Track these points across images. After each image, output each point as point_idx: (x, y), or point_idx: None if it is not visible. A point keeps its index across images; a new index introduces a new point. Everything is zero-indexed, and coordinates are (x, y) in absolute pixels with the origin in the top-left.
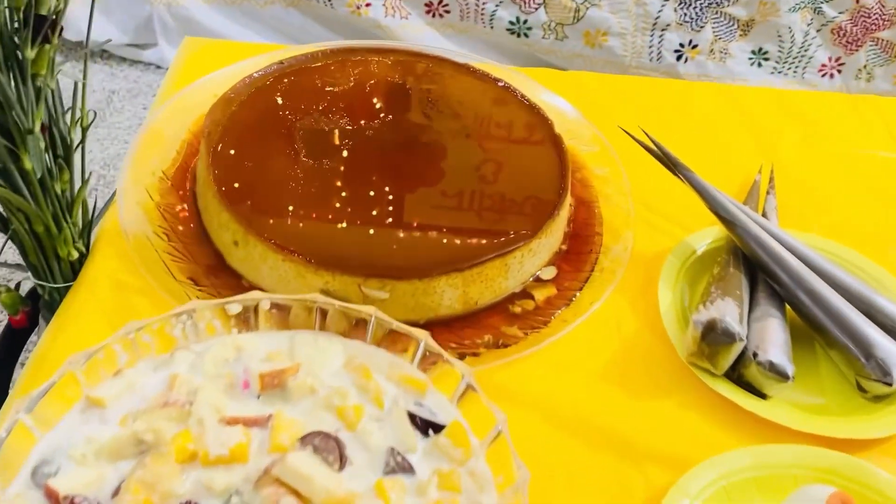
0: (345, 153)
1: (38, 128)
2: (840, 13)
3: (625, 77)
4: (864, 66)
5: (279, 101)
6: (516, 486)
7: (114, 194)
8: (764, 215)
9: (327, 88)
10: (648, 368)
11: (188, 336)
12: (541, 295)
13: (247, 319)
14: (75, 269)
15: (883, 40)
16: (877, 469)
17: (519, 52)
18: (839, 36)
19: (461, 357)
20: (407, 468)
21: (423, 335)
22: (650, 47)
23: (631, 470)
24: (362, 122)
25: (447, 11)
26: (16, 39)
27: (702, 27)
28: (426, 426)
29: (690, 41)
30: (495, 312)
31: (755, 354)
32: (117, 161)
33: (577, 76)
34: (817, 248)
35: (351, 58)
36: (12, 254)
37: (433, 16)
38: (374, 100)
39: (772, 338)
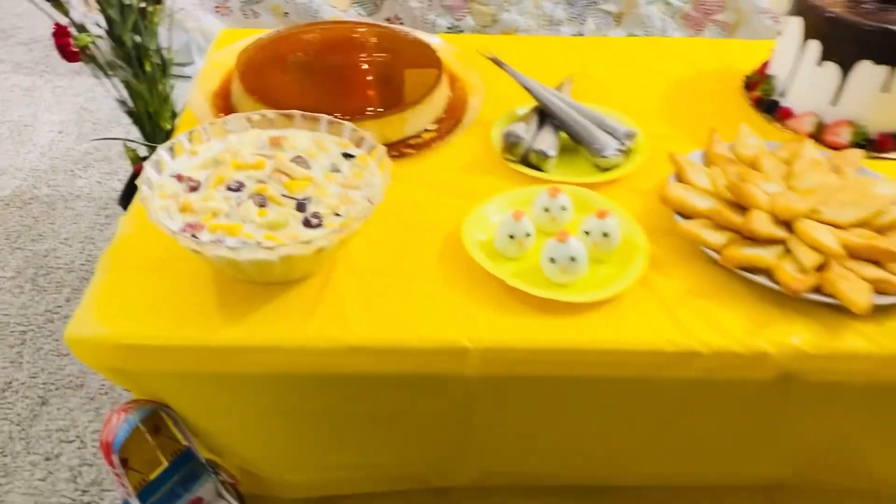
0: (318, 74)
1: (154, 47)
2: (684, 3)
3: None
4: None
5: (280, 47)
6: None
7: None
8: (560, 88)
9: (309, 40)
10: (482, 166)
11: (237, 130)
12: (427, 136)
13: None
14: (167, 136)
15: (720, 21)
16: None
17: None
18: (687, 21)
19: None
20: (338, 170)
21: (349, 125)
22: None
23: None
24: (329, 58)
25: (402, 23)
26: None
27: (585, 21)
28: (347, 156)
29: (579, 32)
30: (400, 143)
31: (532, 147)
32: None
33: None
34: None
35: (325, 26)
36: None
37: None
38: (338, 47)
39: (543, 139)
